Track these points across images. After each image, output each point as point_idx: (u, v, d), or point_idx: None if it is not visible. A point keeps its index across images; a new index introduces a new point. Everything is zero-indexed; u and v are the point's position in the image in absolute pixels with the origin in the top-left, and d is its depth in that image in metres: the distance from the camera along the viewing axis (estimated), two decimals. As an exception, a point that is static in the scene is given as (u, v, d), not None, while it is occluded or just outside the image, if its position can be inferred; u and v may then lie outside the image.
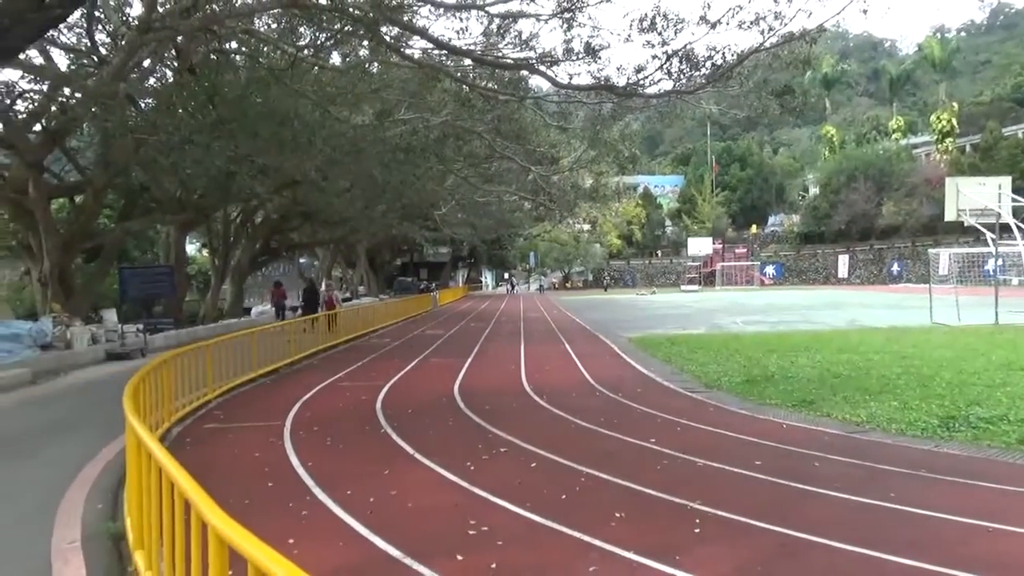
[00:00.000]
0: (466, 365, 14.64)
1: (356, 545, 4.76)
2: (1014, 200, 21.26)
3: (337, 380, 12.91)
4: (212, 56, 15.63)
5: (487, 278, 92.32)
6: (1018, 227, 19.93)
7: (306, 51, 14.65)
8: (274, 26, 16.18)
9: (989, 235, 20.87)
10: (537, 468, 6.60)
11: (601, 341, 18.80)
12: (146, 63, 16.81)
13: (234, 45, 16.06)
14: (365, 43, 16.08)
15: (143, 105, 18.68)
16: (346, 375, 13.61)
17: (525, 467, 6.63)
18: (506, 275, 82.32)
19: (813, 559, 4.36)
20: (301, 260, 49.39)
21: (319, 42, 15.06)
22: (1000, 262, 23.74)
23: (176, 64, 16.35)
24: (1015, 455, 6.59)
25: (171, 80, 17.25)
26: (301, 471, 6.63)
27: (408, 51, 15.56)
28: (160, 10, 12.06)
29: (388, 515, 5.30)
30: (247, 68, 16.13)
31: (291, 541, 4.77)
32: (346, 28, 12.88)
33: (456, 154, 22.43)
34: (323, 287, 28.27)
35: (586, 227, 71.91)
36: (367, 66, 17.48)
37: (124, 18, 16.14)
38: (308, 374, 13.80)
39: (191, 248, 41.29)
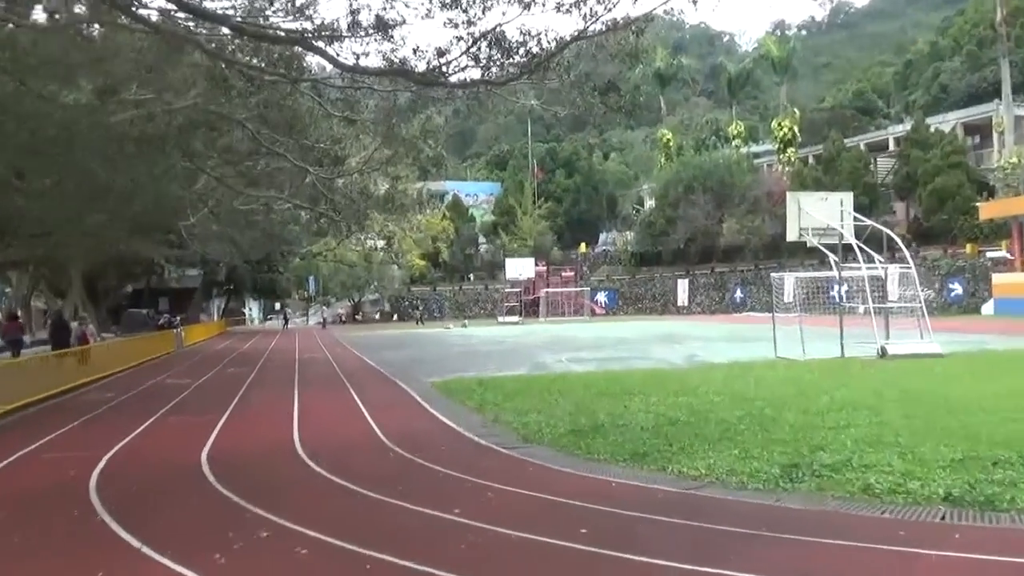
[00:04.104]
0: (219, 424, 14.01)
1: None
2: (856, 220, 23.89)
3: (35, 451, 11.84)
4: None
5: (252, 310, 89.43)
6: (860, 248, 22.34)
7: (-7, 2, 13.50)
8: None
9: (832, 257, 23.23)
10: (308, 555, 6.41)
11: (398, 387, 18.74)
12: None
13: None
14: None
15: None
16: (48, 443, 12.51)
17: (292, 555, 6.41)
18: (278, 306, 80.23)
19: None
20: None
21: (13, -9, 13.96)
22: (845, 288, 26.67)
23: None
24: (858, 506, 7.35)
25: None
26: (-28, 582, 5.97)
27: (143, 11, 14.81)
28: None
29: (99, 635, 4.89)
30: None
31: None
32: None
33: (209, 148, 21.65)
34: (75, 323, 30.48)
35: (380, 244, 71.85)
36: (85, 28, 16.39)
37: None
38: (-9, 444, 12.53)
39: None
